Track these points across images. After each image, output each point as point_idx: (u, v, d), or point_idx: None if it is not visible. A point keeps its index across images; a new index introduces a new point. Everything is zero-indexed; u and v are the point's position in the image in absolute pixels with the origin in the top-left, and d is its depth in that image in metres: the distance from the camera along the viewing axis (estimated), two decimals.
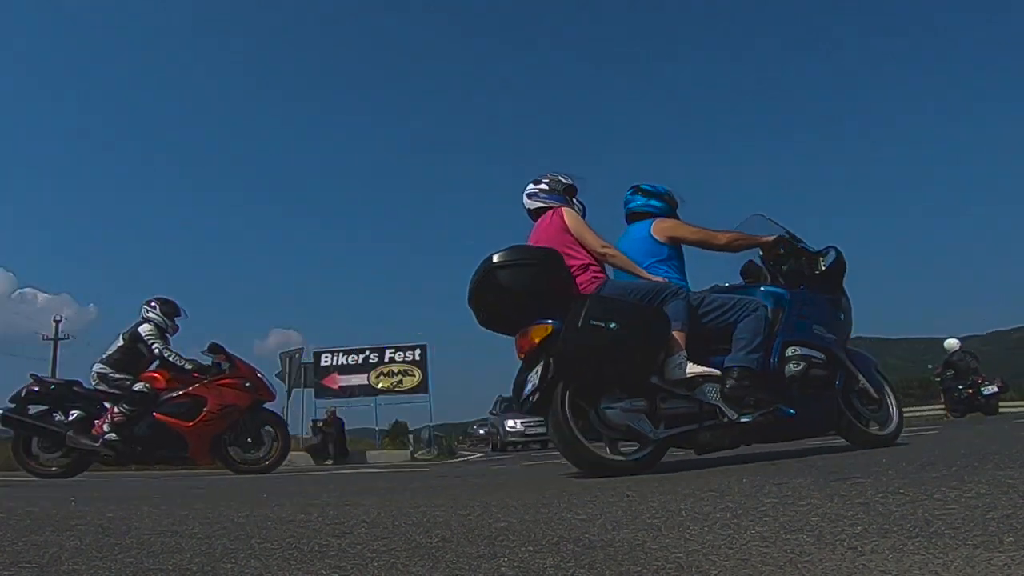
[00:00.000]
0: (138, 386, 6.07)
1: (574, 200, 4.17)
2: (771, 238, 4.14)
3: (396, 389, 17.31)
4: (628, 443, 3.49)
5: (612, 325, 3.23)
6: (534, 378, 3.37)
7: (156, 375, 6.21)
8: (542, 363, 3.32)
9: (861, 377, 4.18)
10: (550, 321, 3.36)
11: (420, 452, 16.26)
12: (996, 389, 14.15)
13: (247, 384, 6.36)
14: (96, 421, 5.94)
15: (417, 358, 17.41)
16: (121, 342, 6.23)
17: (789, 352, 3.75)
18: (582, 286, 3.63)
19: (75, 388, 6.14)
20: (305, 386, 16.23)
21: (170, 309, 6.56)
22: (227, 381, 6.28)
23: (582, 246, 3.81)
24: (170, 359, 6.25)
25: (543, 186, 4.15)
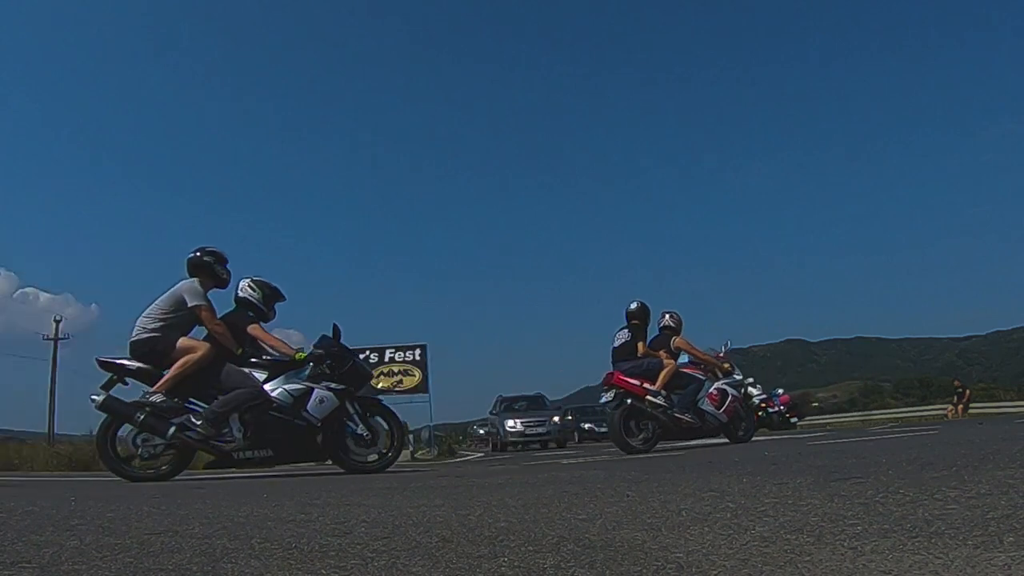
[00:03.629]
0: None
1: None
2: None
3: (396, 389, 17.30)
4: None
5: None
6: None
7: None
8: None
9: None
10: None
11: (420, 452, 16.24)
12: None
13: None
14: None
15: (417, 358, 17.40)
16: None
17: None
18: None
19: None
20: None
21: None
22: None
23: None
24: None
25: None
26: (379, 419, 5.41)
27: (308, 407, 5.05)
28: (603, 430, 23.01)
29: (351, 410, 5.25)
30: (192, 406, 5.03)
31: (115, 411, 4.96)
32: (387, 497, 2.94)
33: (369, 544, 1.59)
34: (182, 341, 5.05)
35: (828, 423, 29.86)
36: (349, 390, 5.26)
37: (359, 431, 5.23)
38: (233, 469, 5.45)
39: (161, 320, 5.05)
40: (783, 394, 16.60)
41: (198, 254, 5.41)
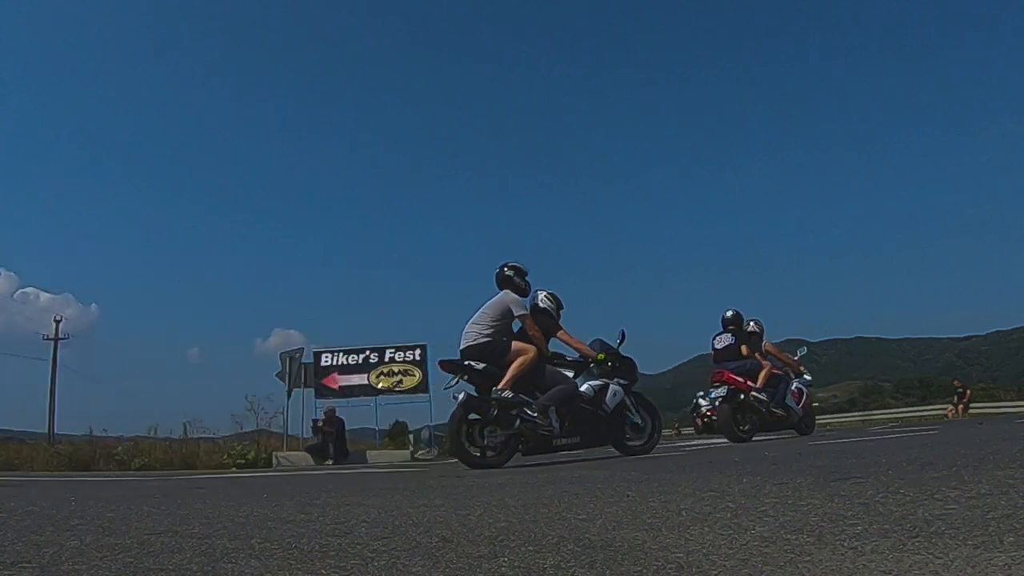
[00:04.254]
0: None
1: None
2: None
3: (396, 389, 17.28)
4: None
5: None
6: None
7: None
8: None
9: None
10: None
11: (420, 452, 16.21)
12: None
13: None
14: None
15: (417, 358, 17.37)
16: None
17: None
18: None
19: None
20: (305, 386, 16.20)
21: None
22: None
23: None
24: None
25: None
26: (642, 410, 6.21)
27: (606, 399, 5.86)
28: None
29: (629, 402, 6.08)
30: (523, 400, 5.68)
31: (476, 407, 5.61)
32: (387, 497, 2.94)
33: (369, 544, 1.59)
34: (516, 344, 5.76)
35: (828, 423, 29.85)
36: (629, 385, 6.14)
37: (635, 420, 6.11)
38: (226, 469, 5.46)
39: (492, 327, 5.79)
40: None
41: (504, 269, 6.14)
